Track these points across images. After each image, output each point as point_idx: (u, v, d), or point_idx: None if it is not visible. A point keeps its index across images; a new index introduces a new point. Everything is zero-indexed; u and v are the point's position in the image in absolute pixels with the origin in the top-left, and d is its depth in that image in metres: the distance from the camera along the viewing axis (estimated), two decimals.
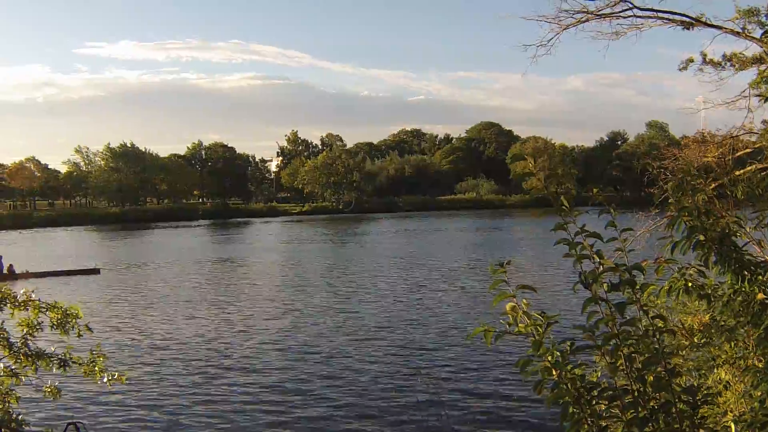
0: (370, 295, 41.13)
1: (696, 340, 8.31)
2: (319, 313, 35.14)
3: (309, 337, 29.64)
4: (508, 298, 4.41)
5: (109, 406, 22.05)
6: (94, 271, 59.74)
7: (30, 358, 10.94)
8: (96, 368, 11.48)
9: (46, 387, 11.69)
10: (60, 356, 11.16)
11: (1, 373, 10.97)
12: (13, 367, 10.99)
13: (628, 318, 4.38)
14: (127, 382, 13.28)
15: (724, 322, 6.63)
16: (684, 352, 8.35)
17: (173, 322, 34.50)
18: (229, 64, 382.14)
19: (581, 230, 4.49)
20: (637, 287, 4.44)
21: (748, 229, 5.69)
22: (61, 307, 11.28)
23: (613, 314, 4.33)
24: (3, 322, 11.03)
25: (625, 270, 4.45)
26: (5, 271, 56.54)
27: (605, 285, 4.39)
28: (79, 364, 11.33)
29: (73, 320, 11.30)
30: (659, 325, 4.47)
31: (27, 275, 55.60)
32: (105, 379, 11.53)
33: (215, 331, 31.58)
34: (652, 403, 4.23)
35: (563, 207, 4.49)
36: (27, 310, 11.12)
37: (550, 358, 4.21)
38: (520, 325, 4.35)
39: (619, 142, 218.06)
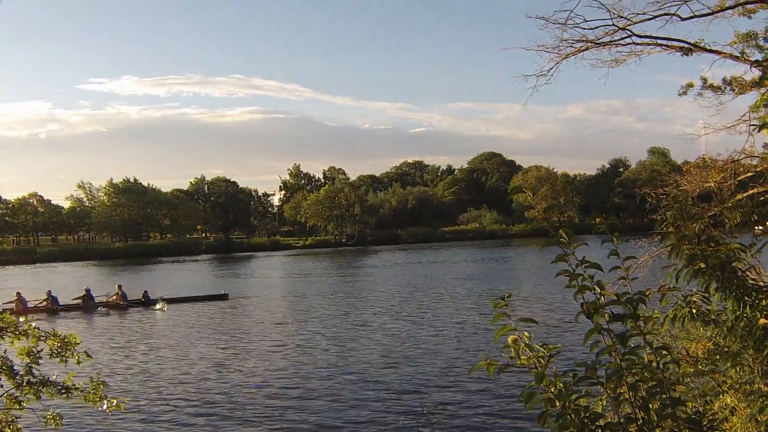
0: (371, 330, 40.76)
1: (701, 367, 8.33)
2: (320, 350, 34.88)
3: (309, 374, 29.38)
4: (509, 332, 4.45)
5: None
6: (224, 297, 61.58)
7: (34, 386, 10.98)
8: (98, 395, 11.53)
9: (49, 414, 11.70)
10: (61, 384, 11.20)
11: (5, 401, 11.02)
12: (16, 395, 11.03)
13: (631, 347, 4.41)
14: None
15: (728, 347, 6.66)
16: (689, 379, 8.36)
17: (171, 359, 34.36)
18: (230, 98, 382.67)
19: (582, 262, 4.53)
20: (640, 320, 4.47)
21: (749, 255, 5.72)
22: (60, 335, 11.34)
23: (615, 344, 4.36)
24: (5, 351, 11.09)
25: (628, 300, 4.49)
26: (141, 297, 59.03)
27: (607, 315, 4.42)
28: (81, 390, 11.35)
29: (72, 348, 11.37)
30: (663, 355, 4.51)
31: (160, 300, 57.21)
32: (105, 406, 11.58)
33: (209, 370, 31.30)
34: (657, 431, 4.26)
35: (562, 239, 4.54)
36: (27, 338, 11.17)
37: (553, 389, 4.24)
38: (522, 357, 4.38)
39: (620, 169, 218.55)
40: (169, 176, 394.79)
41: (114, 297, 58.91)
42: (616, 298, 4.49)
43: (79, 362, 11.37)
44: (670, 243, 5.36)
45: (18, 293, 56.67)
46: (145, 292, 60.27)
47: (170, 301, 58.65)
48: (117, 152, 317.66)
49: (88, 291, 59.16)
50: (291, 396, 25.93)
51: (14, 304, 53.45)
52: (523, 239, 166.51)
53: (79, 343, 11.45)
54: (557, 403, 4.22)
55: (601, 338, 4.42)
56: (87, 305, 57.50)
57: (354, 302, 56.21)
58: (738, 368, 7.20)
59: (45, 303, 56.17)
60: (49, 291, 57.94)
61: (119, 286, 60.18)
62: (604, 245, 4.93)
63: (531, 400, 4.31)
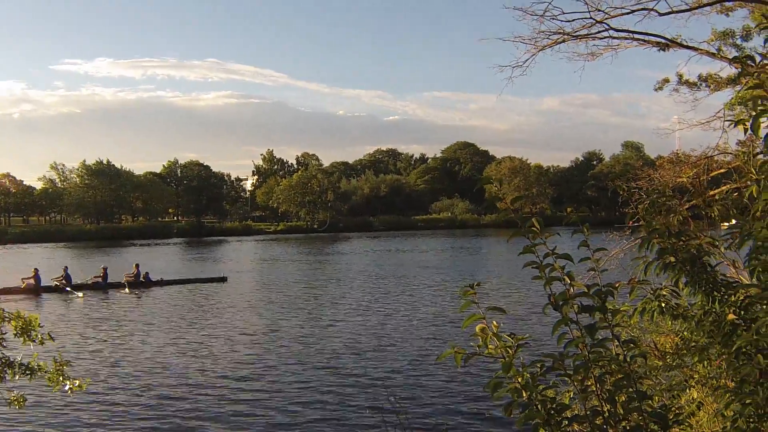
0: (340, 317, 40.50)
1: (669, 361, 8.36)
2: (287, 337, 34.59)
3: (273, 361, 29.07)
4: (477, 320, 4.44)
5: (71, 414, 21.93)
6: (222, 279, 62.85)
7: None
8: (60, 376, 11.42)
9: (12, 396, 11.60)
10: (26, 365, 11.08)
11: None
12: None
13: (599, 339, 4.41)
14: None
15: (695, 342, 6.68)
16: (657, 372, 8.38)
17: (136, 347, 34.08)
18: (205, 82, 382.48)
19: (551, 252, 4.52)
20: (608, 312, 4.47)
21: (722, 249, 5.73)
22: (23, 316, 11.22)
23: (583, 336, 4.36)
24: None
25: (597, 292, 4.49)
26: (141, 278, 59.53)
27: (575, 306, 4.42)
28: (45, 371, 11.24)
29: (35, 329, 11.26)
30: (631, 348, 4.51)
31: (161, 282, 59.88)
32: (67, 387, 11.47)
33: (173, 356, 31.00)
34: (623, 424, 4.26)
35: (532, 229, 4.53)
36: None
37: (520, 379, 4.23)
38: (489, 346, 4.37)
39: (594, 162, 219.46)
40: (143, 159, 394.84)
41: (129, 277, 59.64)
42: (585, 290, 4.49)
43: (42, 342, 11.24)
44: (641, 236, 5.36)
45: (35, 269, 57.65)
46: (147, 273, 60.60)
47: (168, 282, 60.29)
48: (91, 134, 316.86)
49: (105, 270, 60.02)
50: (253, 386, 25.59)
51: (31, 280, 55.59)
52: (494, 229, 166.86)
53: (41, 326, 11.33)
54: (524, 394, 4.21)
55: (569, 330, 4.41)
56: (99, 285, 58.14)
57: (323, 289, 56.04)
58: (705, 363, 7.23)
59: (61, 281, 56.85)
60: (66, 267, 59.17)
61: (137, 265, 61.18)
62: (574, 237, 4.92)
63: (498, 389, 4.30)
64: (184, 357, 30.30)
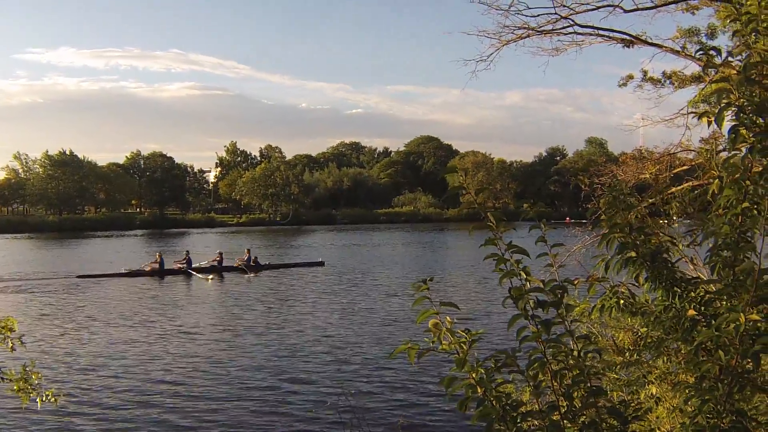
0: (296, 312, 40.49)
1: (628, 357, 8.37)
2: (240, 333, 34.25)
3: (225, 359, 28.80)
4: (431, 316, 4.40)
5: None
6: (320, 264, 67.39)
7: None
8: (28, 385, 11.04)
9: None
10: None
11: None
12: None
13: (556, 334, 4.39)
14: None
15: (654, 338, 6.69)
16: (617, 368, 8.39)
17: (100, 342, 33.85)
18: (169, 73, 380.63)
19: (509, 246, 4.49)
20: (562, 308, 4.45)
21: (681, 246, 5.73)
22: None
23: (539, 331, 4.34)
24: None
25: (554, 288, 4.47)
26: (252, 262, 62.88)
27: (531, 302, 4.39)
28: (10, 380, 10.94)
29: (7, 332, 10.98)
30: (586, 344, 4.50)
31: (269, 266, 64.48)
32: (36, 399, 11.07)
33: (142, 348, 30.82)
34: (582, 419, 4.24)
35: (491, 224, 4.50)
36: None
37: (474, 375, 4.20)
38: (443, 342, 4.34)
39: (557, 158, 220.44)
40: (106, 149, 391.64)
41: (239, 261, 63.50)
42: (541, 285, 4.46)
43: (12, 350, 10.93)
44: (603, 232, 5.35)
45: (159, 254, 62.64)
46: (256, 257, 64.58)
47: (274, 266, 65.27)
48: (54, 124, 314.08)
49: (221, 255, 64.39)
50: (201, 384, 25.42)
51: (156, 264, 60.69)
52: (456, 223, 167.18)
53: (14, 330, 11.02)
54: (479, 390, 4.18)
55: (527, 325, 4.38)
56: (215, 269, 62.27)
57: (279, 284, 55.89)
58: (665, 359, 7.24)
59: (181, 265, 61.39)
60: (187, 251, 63.85)
61: (248, 250, 65.20)
62: (532, 232, 4.88)
63: (452, 385, 4.26)
64: (120, 354, 30.19)
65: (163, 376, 26.00)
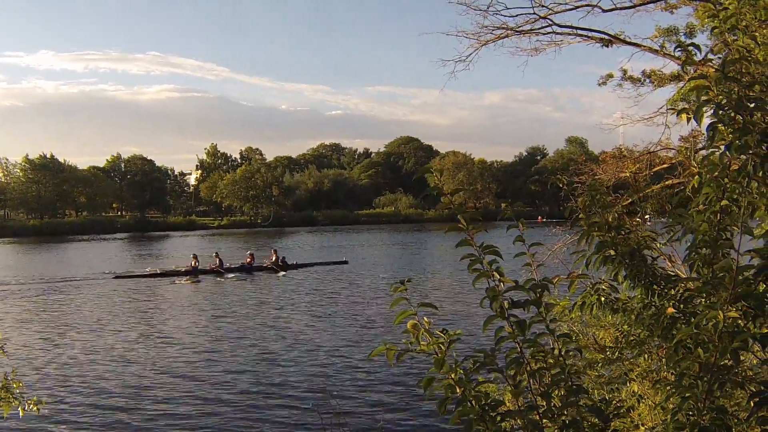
0: (278, 314, 40.44)
1: (609, 354, 8.37)
2: (219, 336, 34.28)
3: (204, 361, 28.77)
4: (409, 316, 4.39)
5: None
6: (344, 263, 70.67)
7: None
8: (10, 394, 10.80)
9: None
10: None
11: None
12: None
13: (535, 334, 4.39)
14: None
15: (636, 336, 6.70)
16: (598, 366, 8.40)
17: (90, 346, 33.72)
18: (148, 75, 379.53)
19: (484, 247, 4.48)
20: (542, 308, 4.45)
21: (659, 244, 5.74)
22: None
23: (515, 332, 4.33)
24: None
25: (532, 287, 4.46)
26: (280, 262, 65.45)
27: (506, 302, 4.38)
28: None
29: None
30: (566, 342, 4.50)
31: (296, 266, 66.97)
32: (18, 408, 10.86)
33: (125, 355, 30.68)
34: (563, 418, 4.24)
35: (462, 225, 4.50)
36: None
37: (453, 375, 4.19)
38: (422, 343, 4.33)
39: (538, 157, 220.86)
40: (87, 153, 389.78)
41: (268, 262, 66.14)
42: (514, 285, 4.46)
43: None
44: (582, 230, 5.35)
45: (194, 255, 64.87)
46: (284, 257, 67.60)
47: (301, 266, 67.74)
48: (34, 127, 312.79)
49: (252, 255, 67.34)
50: (181, 386, 25.43)
51: (192, 263, 62.86)
52: (437, 224, 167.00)
53: None
54: (458, 390, 4.17)
55: (504, 325, 4.37)
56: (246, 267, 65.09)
57: (262, 285, 55.87)
58: (646, 356, 7.26)
59: (215, 265, 63.57)
60: (217, 253, 66.78)
61: (275, 251, 67.95)
62: (509, 232, 4.86)
63: (431, 386, 4.25)
64: (113, 355, 30.11)
65: (182, 373, 26.15)
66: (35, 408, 11.02)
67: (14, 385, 10.73)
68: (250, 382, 25.57)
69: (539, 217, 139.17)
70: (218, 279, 60.32)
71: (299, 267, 66.86)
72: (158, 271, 62.30)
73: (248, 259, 66.04)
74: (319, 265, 69.06)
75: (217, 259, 63.81)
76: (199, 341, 32.85)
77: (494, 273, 4.44)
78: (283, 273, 62.26)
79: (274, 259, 65.53)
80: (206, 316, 40.23)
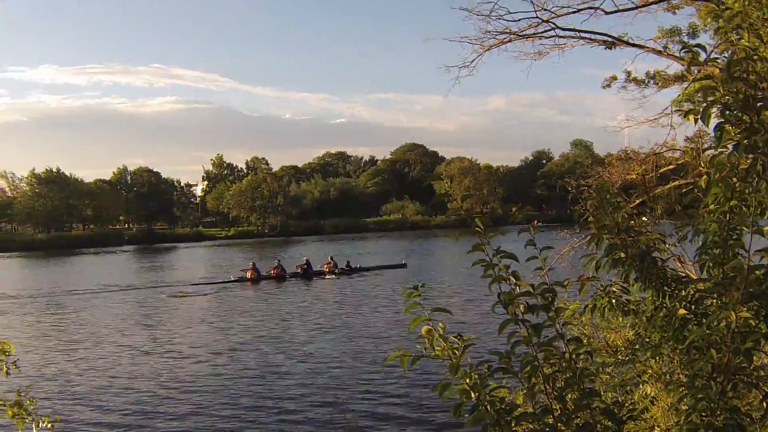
0: (290, 324, 40.42)
1: (621, 357, 8.36)
2: (236, 343, 34.35)
3: (221, 368, 28.81)
4: (423, 322, 4.38)
5: None
6: (402, 266, 73.10)
7: None
8: (23, 410, 10.68)
9: None
10: None
11: None
12: None
13: (547, 338, 4.38)
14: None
15: (648, 338, 6.69)
16: (610, 368, 8.39)
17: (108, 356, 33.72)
18: (151, 88, 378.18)
19: (497, 252, 4.48)
20: (552, 312, 4.44)
21: (668, 245, 5.73)
22: None
23: (530, 336, 4.33)
24: None
25: (544, 291, 4.46)
26: (345, 266, 69.98)
27: (521, 306, 4.38)
28: (4, 405, 10.61)
29: (2, 356, 10.69)
30: (577, 345, 4.49)
31: (359, 269, 70.68)
32: (32, 426, 10.76)
33: (130, 365, 30.68)
34: (577, 421, 4.23)
35: (479, 228, 4.50)
36: None
37: (468, 380, 4.18)
38: (436, 348, 4.32)
39: (544, 161, 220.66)
40: (92, 166, 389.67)
41: (325, 266, 69.59)
42: (530, 289, 4.45)
43: (7, 374, 10.58)
44: (591, 233, 5.34)
45: (253, 263, 68.56)
46: (348, 261, 71.69)
47: (360, 270, 70.73)
48: (39, 142, 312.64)
49: (308, 261, 70.01)
50: (191, 392, 25.51)
51: (250, 272, 65.84)
52: (444, 230, 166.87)
53: (10, 353, 10.70)
54: (472, 395, 4.16)
55: (518, 329, 4.37)
56: (307, 274, 68.05)
57: (272, 292, 55.91)
58: (658, 358, 7.24)
59: (274, 271, 67.41)
60: (279, 260, 71.17)
61: (331, 257, 71.67)
62: (521, 236, 4.86)
63: (445, 391, 4.25)
64: (130, 362, 30.10)
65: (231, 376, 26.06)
66: (50, 425, 10.92)
67: (27, 402, 10.63)
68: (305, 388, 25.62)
69: (534, 221, 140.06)
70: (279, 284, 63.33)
71: (362, 270, 70.27)
72: (232, 278, 65.49)
73: (303, 265, 68.49)
74: (380, 268, 72.00)
75: (278, 266, 67.36)
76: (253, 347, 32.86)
77: (510, 277, 4.44)
78: (335, 276, 66.51)
79: (333, 264, 68.92)
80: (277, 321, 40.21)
